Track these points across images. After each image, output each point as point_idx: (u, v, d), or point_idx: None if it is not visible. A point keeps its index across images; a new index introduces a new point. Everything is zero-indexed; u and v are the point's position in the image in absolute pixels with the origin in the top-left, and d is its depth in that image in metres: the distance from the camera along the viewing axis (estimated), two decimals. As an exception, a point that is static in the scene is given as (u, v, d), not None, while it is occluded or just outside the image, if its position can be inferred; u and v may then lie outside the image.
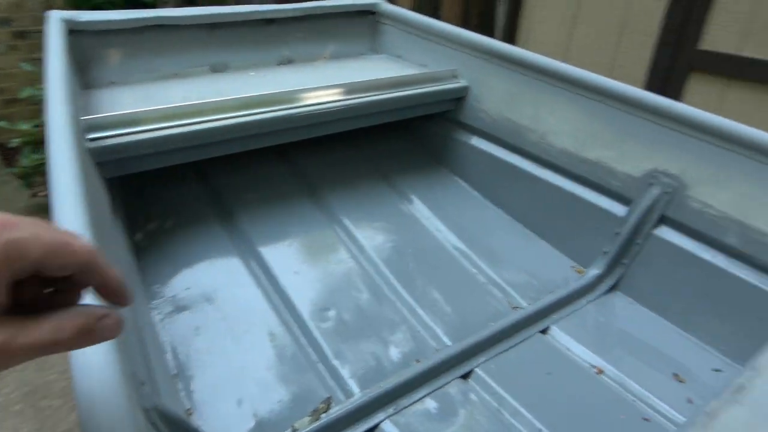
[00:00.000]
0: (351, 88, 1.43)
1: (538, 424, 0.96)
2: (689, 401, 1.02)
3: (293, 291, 1.19)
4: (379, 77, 1.50)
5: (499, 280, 1.31)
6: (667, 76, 2.55)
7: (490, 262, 1.37)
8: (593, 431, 0.96)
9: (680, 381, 1.07)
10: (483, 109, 1.60)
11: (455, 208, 1.56)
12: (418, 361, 1.06)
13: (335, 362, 1.05)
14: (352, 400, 0.96)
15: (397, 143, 1.79)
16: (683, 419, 0.99)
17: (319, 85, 1.39)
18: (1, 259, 0.33)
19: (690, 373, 1.09)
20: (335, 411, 0.94)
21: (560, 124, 1.43)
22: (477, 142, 1.64)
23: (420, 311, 1.19)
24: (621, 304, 1.28)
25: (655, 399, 1.03)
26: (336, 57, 1.88)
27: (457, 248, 1.41)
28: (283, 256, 1.29)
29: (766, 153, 1.10)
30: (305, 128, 1.41)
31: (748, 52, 2.24)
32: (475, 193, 1.64)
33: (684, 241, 1.23)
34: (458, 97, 1.65)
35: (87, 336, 0.38)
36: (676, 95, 2.48)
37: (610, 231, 1.32)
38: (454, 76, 1.64)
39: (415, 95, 1.55)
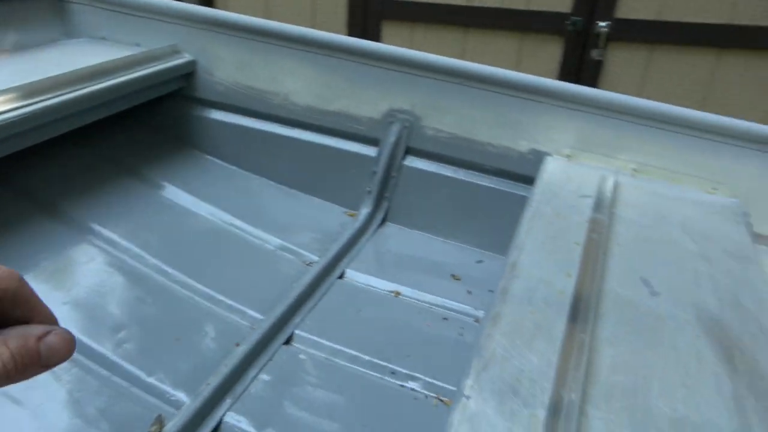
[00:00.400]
0: (50, 84, 1.22)
1: (366, 357, 1.04)
2: (469, 292, 1.23)
3: (70, 324, 1.02)
4: (84, 65, 1.32)
5: (286, 244, 1.33)
6: (364, 27, 2.81)
7: (270, 230, 1.38)
8: (410, 344, 1.08)
9: (457, 279, 1.27)
10: (217, 81, 1.55)
11: (218, 187, 1.51)
12: (237, 344, 1.04)
13: (151, 380, 0.96)
14: (184, 408, 0.90)
15: (136, 133, 1.62)
16: (469, 307, 1.18)
17: (6, 86, 1.15)
18: None
19: (462, 271, 1.30)
20: (171, 426, 0.87)
21: (299, 83, 1.48)
22: (220, 115, 1.59)
23: (221, 297, 1.15)
24: (394, 232, 1.44)
25: (445, 300, 1.20)
26: (22, 48, 1.57)
27: (234, 225, 1.38)
28: (39, 290, 1.08)
29: (470, 78, 1.34)
30: (7, 140, 1.16)
31: (421, -2, 2.62)
32: (233, 167, 1.60)
33: (429, 165, 1.43)
34: (187, 73, 1.56)
35: (29, 361, 0.32)
36: (375, 43, 2.77)
37: (369, 171, 1.45)
38: (175, 52, 1.54)
39: (135, 79, 1.41)
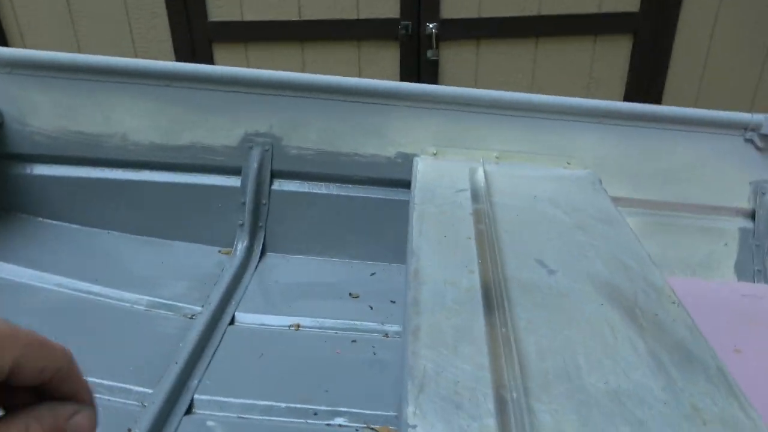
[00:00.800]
0: None
1: (282, 404, 0.95)
2: (371, 308, 1.19)
3: None
4: None
5: (158, 300, 1.18)
6: (193, 52, 2.64)
7: (136, 288, 1.21)
8: (325, 377, 1.01)
9: (355, 297, 1.23)
10: (35, 131, 1.33)
11: (60, 252, 1.30)
12: (129, 430, 0.88)
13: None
14: None
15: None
16: (375, 323, 1.14)
17: None
18: None
19: (358, 287, 1.25)
20: None
21: (138, 120, 1.32)
22: (44, 169, 1.37)
23: (95, 380, 0.98)
24: (277, 262, 1.35)
25: (349, 321, 1.15)
26: None
27: (90, 292, 1.19)
28: None
29: (325, 91, 1.30)
30: None
31: (250, 17, 2.52)
32: (74, 226, 1.39)
33: (300, 186, 1.36)
34: (-9, 127, 1.32)
35: None
36: (208, 68, 2.61)
37: (237, 203, 1.35)
38: (-28, 104, 1.30)
39: None
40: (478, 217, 1.08)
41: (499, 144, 1.37)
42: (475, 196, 1.17)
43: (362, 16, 2.47)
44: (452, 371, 0.69)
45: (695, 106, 2.54)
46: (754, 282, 1.38)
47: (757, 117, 1.32)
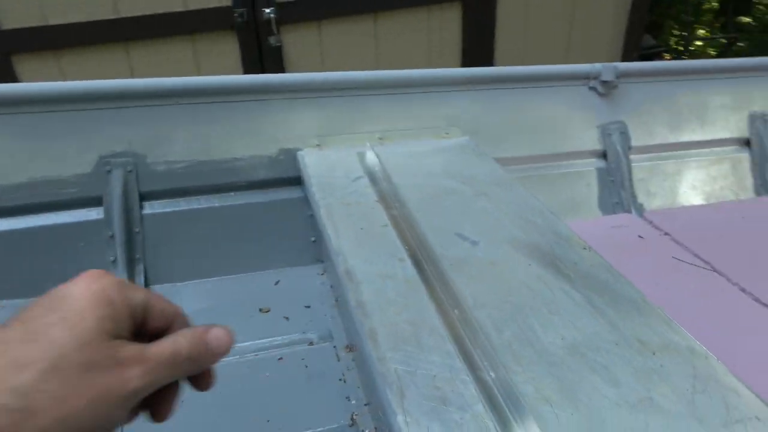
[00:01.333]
0: None
1: (224, 448, 0.85)
2: (286, 318, 1.11)
3: None
4: None
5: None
6: (-14, 68, 2.22)
7: None
8: (262, 407, 0.93)
9: (266, 312, 1.14)
10: None
11: None
12: None
13: None
14: None
15: None
16: (296, 334, 1.07)
17: None
18: (120, 291, 0.35)
19: (266, 300, 1.16)
20: None
21: (-47, 162, 1.08)
22: None
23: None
24: (166, 294, 1.19)
25: (268, 340, 1.06)
26: None
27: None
28: None
29: (185, 94, 1.17)
30: None
31: (56, 20, 2.19)
32: None
33: (175, 204, 1.23)
34: None
35: (202, 349, 0.38)
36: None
37: (103, 238, 1.17)
38: None
39: None
40: (386, 202, 1.06)
41: (379, 125, 1.35)
42: (374, 182, 1.14)
43: (191, 7, 2.27)
44: (425, 367, 0.66)
45: (523, 61, 2.77)
46: (615, 213, 1.55)
47: (596, 66, 1.47)
